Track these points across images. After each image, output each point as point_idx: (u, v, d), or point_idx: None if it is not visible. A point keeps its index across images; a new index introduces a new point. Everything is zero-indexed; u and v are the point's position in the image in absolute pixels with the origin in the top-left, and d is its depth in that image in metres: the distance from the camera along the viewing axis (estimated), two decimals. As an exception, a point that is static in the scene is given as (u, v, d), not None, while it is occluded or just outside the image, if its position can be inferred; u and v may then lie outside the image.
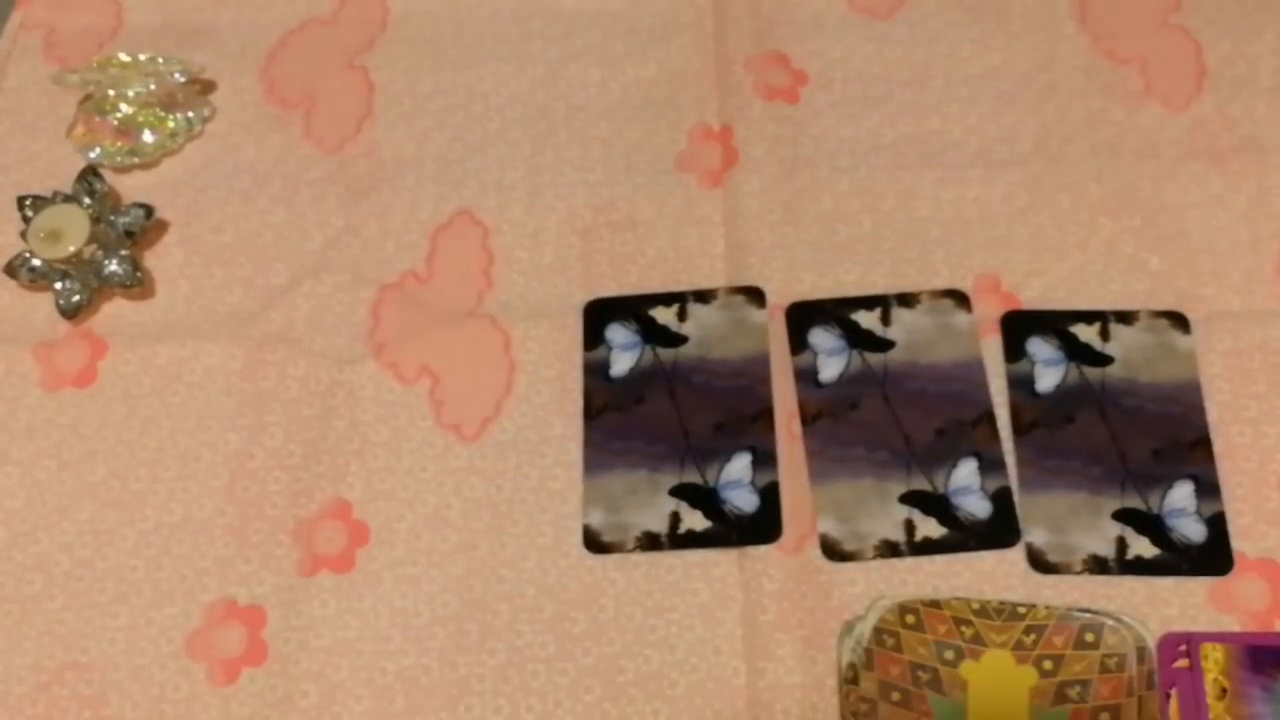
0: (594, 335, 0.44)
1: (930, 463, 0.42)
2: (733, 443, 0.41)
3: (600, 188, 0.48)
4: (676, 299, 0.44)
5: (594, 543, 0.41)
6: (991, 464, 0.42)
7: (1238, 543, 0.40)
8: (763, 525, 0.41)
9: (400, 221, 0.48)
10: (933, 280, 0.46)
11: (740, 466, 0.41)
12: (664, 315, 0.43)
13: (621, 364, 0.43)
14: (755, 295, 0.45)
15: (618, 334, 0.43)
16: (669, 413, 0.41)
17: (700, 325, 0.43)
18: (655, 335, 0.43)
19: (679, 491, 0.41)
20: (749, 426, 0.42)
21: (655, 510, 0.41)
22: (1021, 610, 0.39)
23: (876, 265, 0.46)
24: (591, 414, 0.43)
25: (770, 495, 0.41)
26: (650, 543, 0.40)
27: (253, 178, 0.49)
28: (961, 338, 0.44)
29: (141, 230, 0.46)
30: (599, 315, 0.44)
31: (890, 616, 0.39)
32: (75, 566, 0.41)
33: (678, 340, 0.43)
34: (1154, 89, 0.49)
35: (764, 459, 0.41)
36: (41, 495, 0.43)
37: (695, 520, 0.41)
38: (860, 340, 0.44)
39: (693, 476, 0.41)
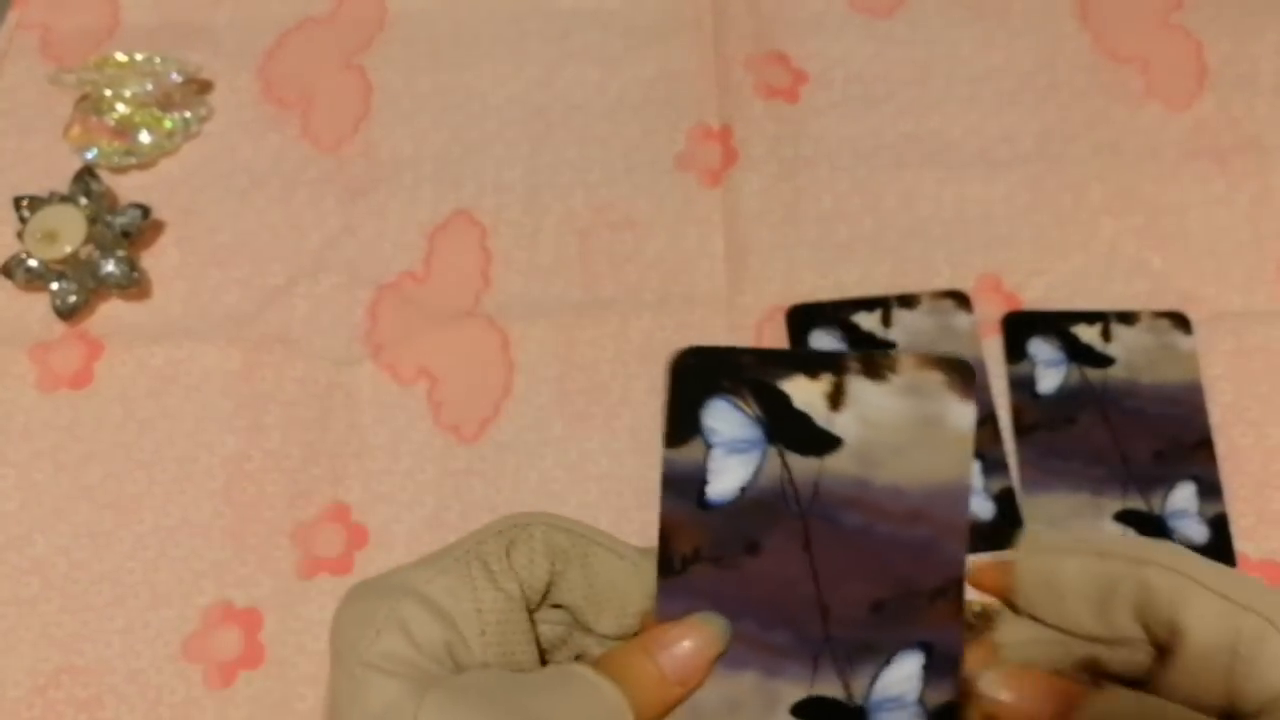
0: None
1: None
2: None
3: (599, 187, 0.48)
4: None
5: None
6: (994, 465, 0.41)
7: (1240, 544, 0.40)
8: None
9: (398, 221, 0.48)
10: (934, 280, 0.45)
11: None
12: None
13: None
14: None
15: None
16: None
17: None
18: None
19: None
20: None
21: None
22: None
23: (877, 265, 0.46)
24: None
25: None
26: None
27: (250, 178, 0.49)
28: (962, 339, 0.44)
29: (138, 230, 0.46)
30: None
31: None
32: (72, 569, 0.41)
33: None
34: (1155, 88, 0.49)
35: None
36: (37, 497, 0.42)
37: None
38: (861, 343, 0.44)
39: None
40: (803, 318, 0.45)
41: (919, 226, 0.47)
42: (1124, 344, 0.44)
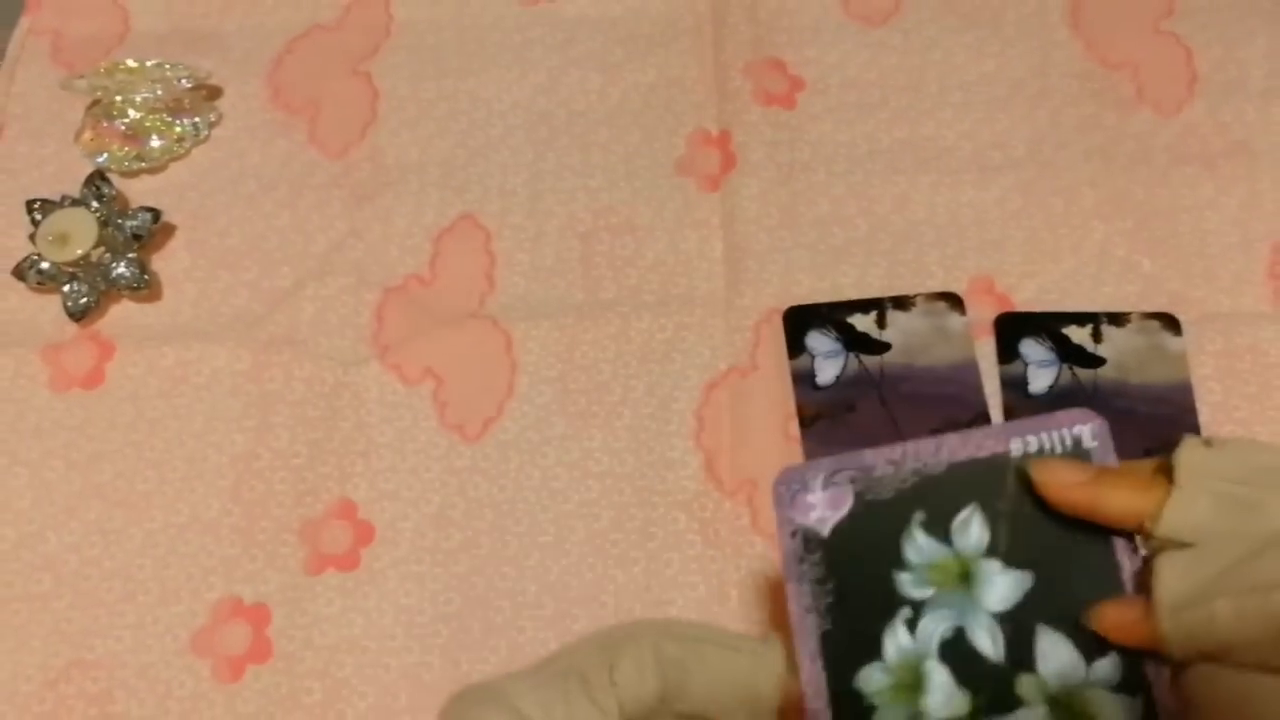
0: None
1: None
2: None
3: (600, 192, 0.49)
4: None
5: None
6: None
7: (1228, 541, 0.41)
8: None
9: (404, 225, 0.48)
10: (927, 282, 0.46)
11: None
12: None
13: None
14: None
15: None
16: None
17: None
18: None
19: None
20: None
21: None
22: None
23: (872, 268, 0.47)
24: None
25: None
26: None
27: (258, 182, 0.50)
28: (956, 340, 0.45)
29: (149, 234, 0.47)
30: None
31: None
32: (83, 565, 0.42)
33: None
34: (1146, 94, 0.50)
35: None
36: (49, 495, 0.43)
37: None
38: (856, 343, 0.45)
39: None
40: (799, 319, 0.45)
41: (913, 230, 0.47)
42: (1114, 345, 0.44)
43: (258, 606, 0.41)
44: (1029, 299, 0.46)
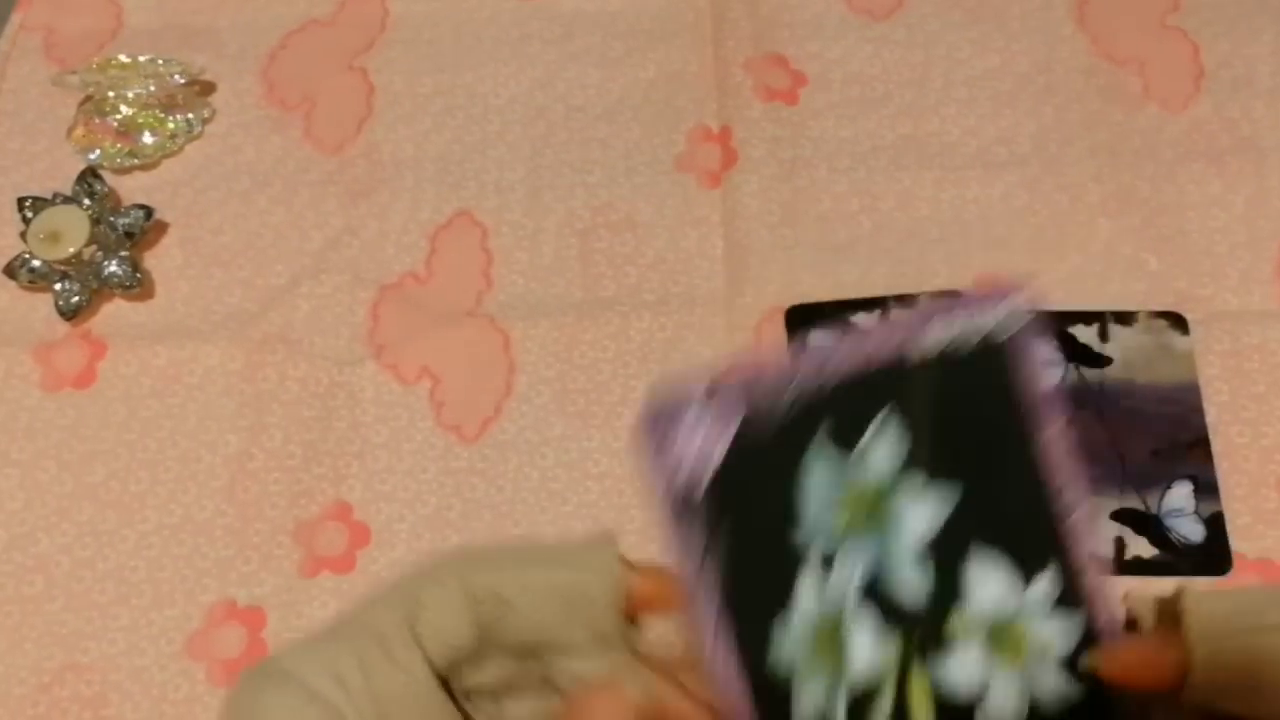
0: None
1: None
2: None
3: (599, 188, 0.48)
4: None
5: None
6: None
7: (1236, 543, 0.40)
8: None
9: (400, 222, 0.48)
10: (931, 280, 0.46)
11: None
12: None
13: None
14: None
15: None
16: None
17: None
18: None
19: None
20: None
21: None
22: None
23: (875, 266, 0.46)
24: None
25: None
26: None
27: (252, 179, 0.49)
28: (960, 338, 0.44)
29: (141, 231, 0.46)
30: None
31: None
32: (75, 567, 0.41)
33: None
34: (1152, 90, 0.50)
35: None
36: (41, 496, 0.43)
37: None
38: (859, 341, 0.44)
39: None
40: (801, 318, 0.45)
41: (917, 227, 0.47)
42: (1121, 344, 0.44)
43: (252, 609, 0.40)
44: (1034, 297, 0.45)
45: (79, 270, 0.46)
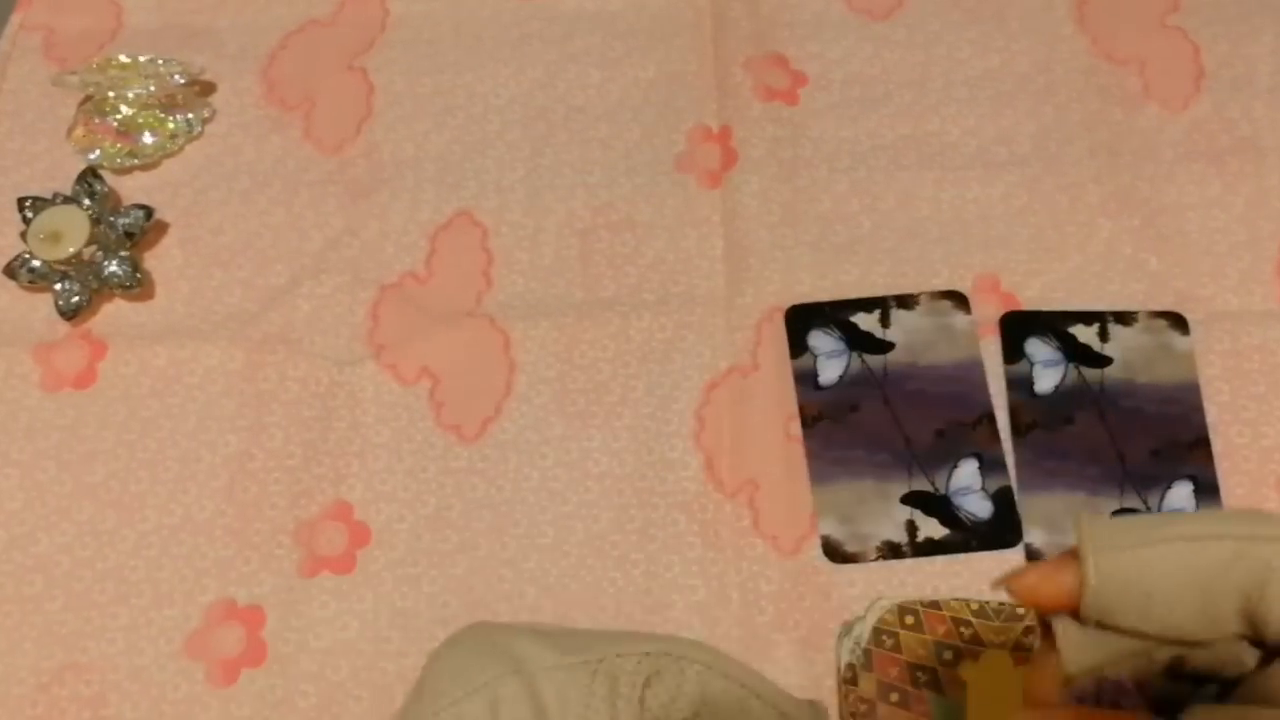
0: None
1: (931, 463, 0.42)
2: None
3: (599, 189, 0.48)
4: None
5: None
6: (991, 464, 0.42)
7: (1236, 543, 0.40)
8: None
9: (400, 222, 0.48)
10: (932, 281, 0.46)
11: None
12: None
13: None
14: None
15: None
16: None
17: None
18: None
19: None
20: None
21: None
22: (1020, 611, 0.39)
23: (875, 266, 0.46)
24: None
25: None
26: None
27: (252, 179, 0.49)
28: (960, 339, 0.44)
29: (141, 231, 0.46)
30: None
31: (889, 617, 0.39)
32: (75, 567, 0.41)
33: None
34: (1152, 90, 0.50)
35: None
36: (41, 496, 0.43)
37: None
38: (859, 342, 0.44)
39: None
40: (802, 318, 0.45)
41: (917, 227, 0.47)
42: (1121, 344, 0.44)
43: (252, 609, 0.40)
44: (1034, 297, 0.45)
45: (79, 270, 0.46)
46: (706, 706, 0.21)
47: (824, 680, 0.38)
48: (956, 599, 0.39)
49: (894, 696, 0.38)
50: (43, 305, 0.46)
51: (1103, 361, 0.44)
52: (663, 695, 0.21)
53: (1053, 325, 0.44)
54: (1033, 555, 0.40)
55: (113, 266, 0.45)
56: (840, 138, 0.49)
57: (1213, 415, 0.42)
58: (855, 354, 0.44)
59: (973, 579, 0.40)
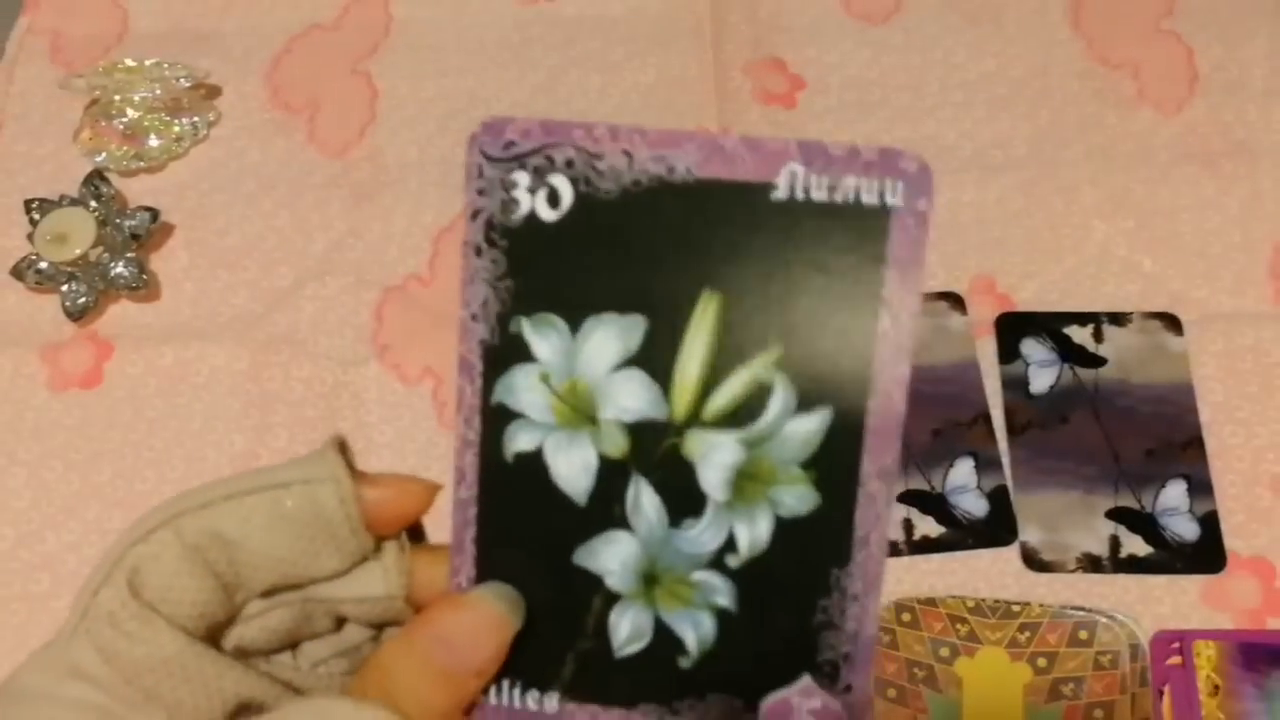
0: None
1: (927, 462, 0.42)
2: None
3: (600, 191, 0.49)
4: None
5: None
6: (987, 464, 0.42)
7: (1230, 541, 0.41)
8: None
9: (403, 225, 0.48)
10: (928, 282, 0.46)
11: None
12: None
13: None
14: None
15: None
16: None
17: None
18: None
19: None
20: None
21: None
22: (1016, 608, 0.39)
23: (873, 268, 0.46)
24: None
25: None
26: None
27: (257, 182, 0.49)
28: (956, 339, 0.45)
29: (147, 233, 0.47)
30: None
31: (886, 614, 0.39)
32: (81, 566, 0.42)
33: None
34: (1147, 94, 0.50)
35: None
36: (48, 496, 0.43)
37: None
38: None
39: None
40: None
41: (914, 229, 0.47)
42: (1115, 344, 0.44)
43: (257, 607, 0.41)
44: (1030, 298, 0.45)
45: (85, 271, 0.46)
46: (208, 550, 0.19)
47: (822, 676, 0.39)
48: (953, 596, 0.40)
49: (891, 693, 0.38)
50: (49, 306, 0.46)
51: (1097, 362, 0.44)
52: (159, 582, 0.19)
53: (1048, 326, 0.45)
54: (1028, 553, 0.41)
55: (119, 268, 0.46)
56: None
57: (1206, 415, 0.43)
58: (853, 354, 0.44)
59: (969, 577, 0.40)
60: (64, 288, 0.46)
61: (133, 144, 0.50)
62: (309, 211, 0.49)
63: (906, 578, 0.40)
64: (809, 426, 0.21)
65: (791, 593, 0.21)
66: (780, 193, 0.21)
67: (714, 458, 0.21)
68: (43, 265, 0.46)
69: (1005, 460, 0.42)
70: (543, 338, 0.22)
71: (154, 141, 0.50)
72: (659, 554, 0.22)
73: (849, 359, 0.21)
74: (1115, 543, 0.41)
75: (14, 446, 0.44)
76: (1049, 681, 0.38)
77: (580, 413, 0.21)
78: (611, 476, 0.21)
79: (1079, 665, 0.38)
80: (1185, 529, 0.41)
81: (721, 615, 0.22)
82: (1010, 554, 0.41)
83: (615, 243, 0.21)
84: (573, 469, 0.21)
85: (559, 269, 0.21)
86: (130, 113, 0.50)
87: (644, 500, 0.21)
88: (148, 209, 0.47)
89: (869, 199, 0.21)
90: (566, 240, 0.21)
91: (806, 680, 0.21)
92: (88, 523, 0.42)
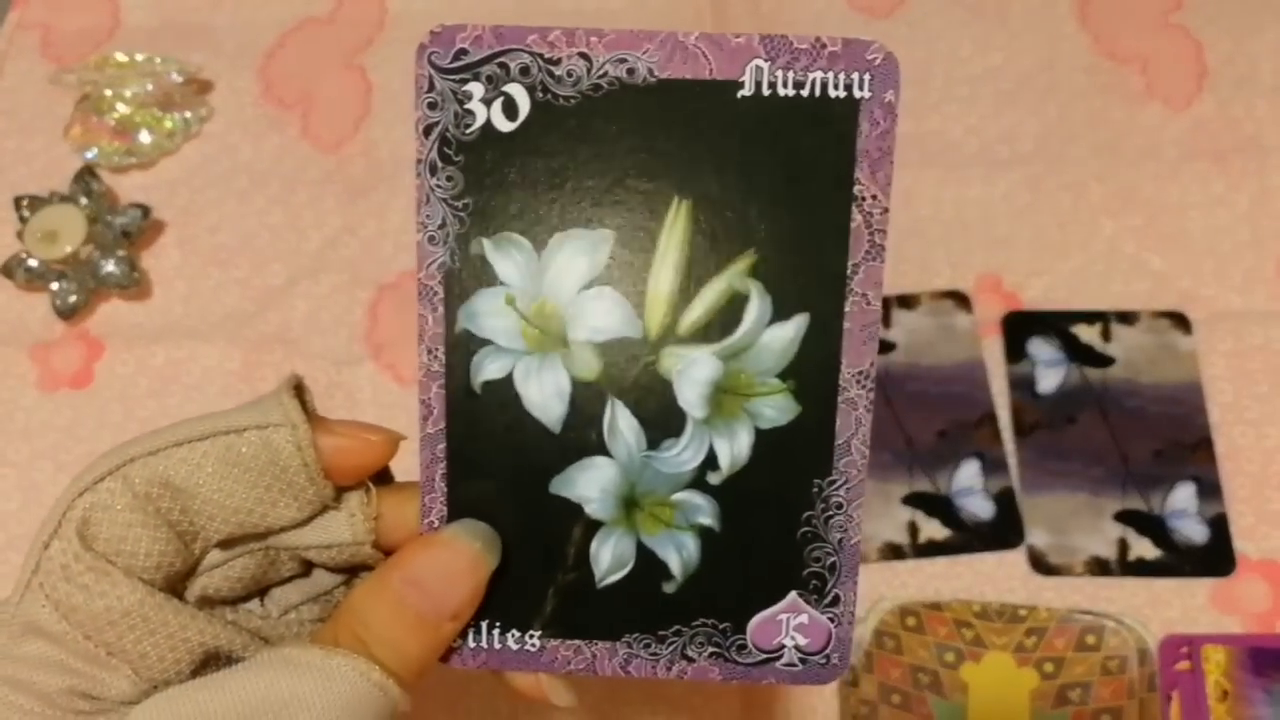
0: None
1: (933, 464, 0.42)
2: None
3: (599, 188, 0.48)
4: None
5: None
6: (994, 464, 0.41)
7: (1239, 544, 0.40)
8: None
9: (398, 222, 0.48)
10: (933, 280, 0.45)
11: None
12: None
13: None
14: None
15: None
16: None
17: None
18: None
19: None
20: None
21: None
22: (1022, 612, 0.39)
23: (877, 265, 0.46)
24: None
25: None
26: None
27: (250, 178, 0.49)
28: (962, 339, 0.44)
29: (138, 230, 0.46)
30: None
31: (891, 619, 0.38)
32: (72, 569, 0.41)
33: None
34: (1155, 89, 0.49)
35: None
36: (38, 497, 0.42)
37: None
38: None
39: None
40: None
41: (918, 227, 0.47)
42: (1123, 344, 0.44)
43: (250, 611, 0.40)
44: (1037, 297, 0.45)
45: (76, 269, 0.45)
46: (159, 498, 0.18)
47: (825, 682, 0.38)
48: (958, 600, 0.39)
49: (896, 699, 0.38)
50: (39, 305, 0.46)
51: (1105, 361, 0.43)
52: (111, 532, 0.18)
53: (1055, 325, 0.44)
54: (1035, 556, 0.40)
55: (110, 266, 0.45)
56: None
57: (1215, 415, 0.42)
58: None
59: (974, 580, 0.40)
60: (54, 286, 0.45)
61: (124, 140, 0.49)
62: (302, 208, 0.48)
63: (911, 581, 0.40)
64: (786, 334, 0.20)
65: (775, 507, 0.21)
66: (746, 90, 0.20)
67: (691, 374, 0.20)
68: (32, 263, 0.45)
69: (1012, 462, 0.42)
70: (506, 258, 0.20)
71: (145, 137, 0.49)
72: (639, 477, 0.21)
73: (823, 260, 0.20)
74: (1123, 545, 0.40)
75: (3, 447, 0.43)
76: (1056, 687, 0.38)
77: (550, 335, 0.20)
78: (586, 400, 0.21)
79: (1086, 670, 0.38)
80: (1194, 531, 0.40)
81: (705, 535, 0.21)
82: (1017, 557, 0.40)
83: (577, 152, 0.20)
84: (545, 395, 0.20)
85: (519, 184, 0.20)
86: (122, 108, 0.49)
87: (621, 423, 0.21)
88: (139, 206, 0.46)
89: (836, 92, 0.20)
90: (526, 152, 0.20)
91: (793, 597, 0.21)
92: (78, 525, 0.42)
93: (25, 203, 0.46)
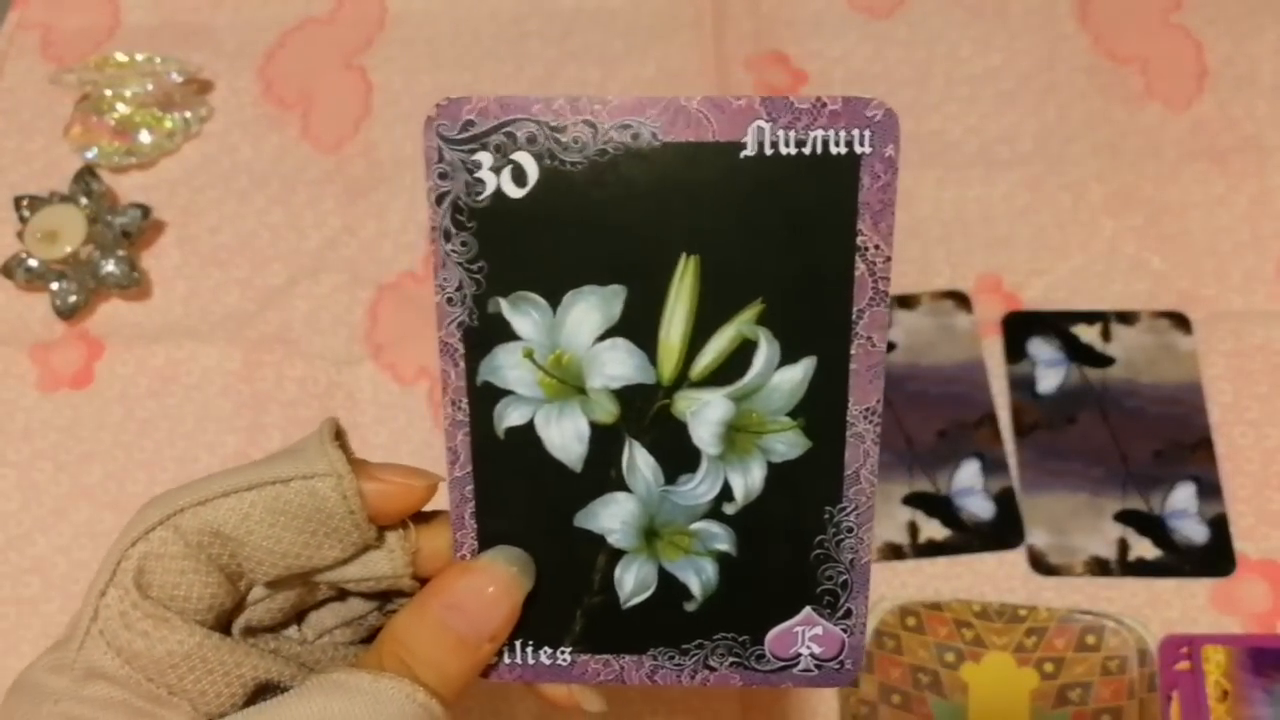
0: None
1: (933, 464, 0.42)
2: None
3: (599, 188, 0.48)
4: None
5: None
6: (994, 464, 0.41)
7: (1240, 544, 0.40)
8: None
9: (398, 222, 0.48)
10: (933, 280, 0.45)
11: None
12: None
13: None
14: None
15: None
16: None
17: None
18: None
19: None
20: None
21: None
22: (1022, 612, 0.39)
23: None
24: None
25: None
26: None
27: (250, 178, 0.49)
28: (962, 339, 0.44)
29: (138, 230, 0.46)
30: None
31: (891, 619, 0.38)
32: (72, 568, 0.41)
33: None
34: (1155, 89, 0.49)
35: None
36: (38, 497, 0.42)
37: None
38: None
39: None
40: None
41: (918, 227, 0.47)
42: (1124, 344, 0.44)
43: (250, 611, 0.40)
44: (1037, 297, 0.45)
45: (76, 269, 0.45)
46: (211, 546, 0.19)
47: (825, 682, 0.38)
48: (958, 600, 0.39)
49: (896, 699, 0.38)
50: (39, 305, 0.46)
51: (1105, 361, 0.43)
52: (166, 578, 0.19)
53: (1055, 325, 0.44)
54: (1035, 556, 0.40)
55: (110, 266, 0.45)
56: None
57: (1215, 416, 0.42)
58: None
59: (975, 580, 0.40)
60: (54, 286, 0.45)
61: (124, 140, 0.49)
62: (302, 208, 0.48)
63: (911, 581, 0.40)
64: (795, 376, 0.22)
65: (788, 533, 0.22)
66: (749, 150, 0.21)
67: (704, 414, 0.22)
68: (32, 263, 0.45)
69: (1012, 462, 0.42)
70: (523, 315, 0.21)
71: (146, 137, 0.49)
72: (657, 510, 0.22)
73: (829, 307, 0.21)
74: (1123, 545, 0.40)
75: (3, 447, 0.43)
76: (1056, 687, 0.38)
77: (568, 384, 0.21)
78: (605, 442, 0.22)
79: (1086, 670, 0.38)
80: (1194, 532, 0.40)
81: (722, 559, 0.22)
82: (1017, 557, 0.40)
83: (586, 214, 0.21)
84: (565, 438, 0.22)
85: (532, 246, 0.21)
86: (122, 108, 0.49)
87: (639, 461, 0.22)
88: (139, 206, 0.46)
89: (837, 149, 0.21)
90: (536, 216, 0.21)
91: (807, 611, 0.22)
92: (78, 525, 0.42)
93: (25, 203, 0.46)
